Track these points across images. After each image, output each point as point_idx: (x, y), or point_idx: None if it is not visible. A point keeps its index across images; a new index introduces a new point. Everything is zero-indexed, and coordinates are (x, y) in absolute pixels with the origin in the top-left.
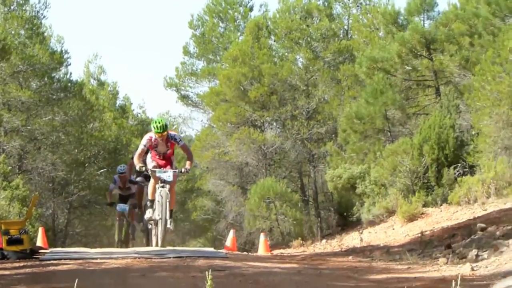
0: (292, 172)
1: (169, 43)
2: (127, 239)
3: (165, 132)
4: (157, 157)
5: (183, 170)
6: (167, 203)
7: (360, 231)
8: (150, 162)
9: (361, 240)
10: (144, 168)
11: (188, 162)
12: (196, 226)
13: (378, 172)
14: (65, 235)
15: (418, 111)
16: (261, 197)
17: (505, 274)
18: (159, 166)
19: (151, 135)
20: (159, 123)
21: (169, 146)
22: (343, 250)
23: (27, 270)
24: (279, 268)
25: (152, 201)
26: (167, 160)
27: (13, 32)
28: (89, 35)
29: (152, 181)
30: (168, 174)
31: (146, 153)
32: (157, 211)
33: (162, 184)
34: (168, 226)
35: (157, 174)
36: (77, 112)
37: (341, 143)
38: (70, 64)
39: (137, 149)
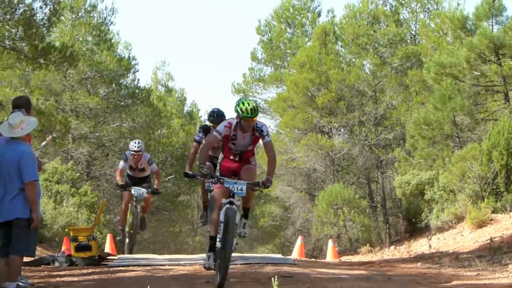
0: (360, 178)
1: (237, 49)
2: (135, 232)
3: (255, 118)
4: (231, 156)
5: (264, 182)
6: (234, 231)
7: (429, 238)
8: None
9: (430, 246)
10: (205, 171)
11: (269, 169)
12: (264, 232)
13: (446, 178)
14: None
15: (487, 116)
16: (329, 203)
17: None
18: (229, 171)
19: (232, 121)
20: (248, 104)
21: (252, 140)
22: (411, 256)
23: (95, 276)
24: (347, 274)
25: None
26: (242, 162)
27: (80, 39)
28: (156, 41)
29: (216, 191)
30: (239, 187)
31: (214, 148)
32: (220, 237)
33: (229, 200)
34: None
35: (226, 185)
36: (144, 119)
37: (409, 149)
38: (138, 71)
39: (200, 132)
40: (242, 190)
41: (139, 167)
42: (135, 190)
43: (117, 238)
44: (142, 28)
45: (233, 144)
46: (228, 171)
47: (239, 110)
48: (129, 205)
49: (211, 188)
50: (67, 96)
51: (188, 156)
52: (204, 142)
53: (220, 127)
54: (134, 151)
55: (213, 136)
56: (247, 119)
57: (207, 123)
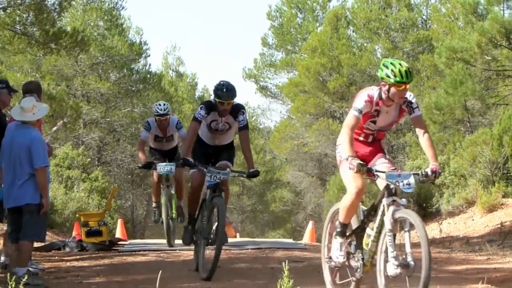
0: None
1: (248, 34)
2: (170, 227)
3: (408, 86)
4: (361, 137)
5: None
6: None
7: (440, 222)
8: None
9: (441, 231)
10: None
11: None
12: (275, 217)
13: (457, 163)
14: (144, 227)
15: (498, 101)
16: (340, 188)
17: None
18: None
19: (371, 92)
20: (401, 66)
21: (397, 114)
22: None
23: (106, 261)
24: None
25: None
26: (376, 147)
27: (92, 24)
28: (167, 26)
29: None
30: (406, 181)
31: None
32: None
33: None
34: None
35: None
36: None
37: None
38: (149, 56)
39: (202, 109)
40: (409, 184)
41: (167, 135)
42: (161, 167)
43: (152, 219)
44: (154, 13)
45: (373, 122)
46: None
47: (389, 73)
48: (161, 187)
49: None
50: (78, 81)
51: (187, 141)
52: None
53: (359, 102)
54: (160, 114)
55: (355, 117)
56: (400, 86)
57: (212, 99)
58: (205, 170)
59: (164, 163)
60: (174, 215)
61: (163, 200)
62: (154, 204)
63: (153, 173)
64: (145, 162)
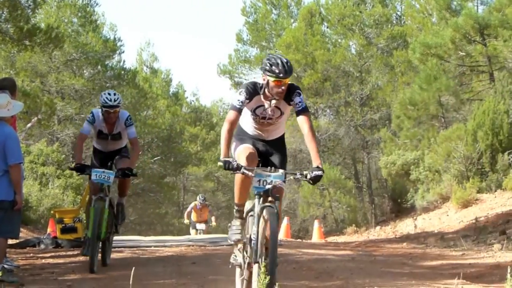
0: (346, 159)
1: (223, 30)
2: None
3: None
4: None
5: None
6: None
7: (414, 218)
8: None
9: (415, 226)
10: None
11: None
12: None
13: (432, 158)
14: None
15: (472, 97)
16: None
17: None
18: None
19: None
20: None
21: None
22: (397, 236)
23: (81, 258)
24: (333, 255)
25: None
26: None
27: (66, 20)
28: (141, 22)
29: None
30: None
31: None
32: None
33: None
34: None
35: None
36: (130, 100)
37: (395, 129)
38: (123, 52)
39: (243, 93)
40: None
41: (113, 132)
42: (96, 174)
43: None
44: (128, 9)
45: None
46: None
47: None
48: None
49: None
50: (52, 77)
51: (223, 136)
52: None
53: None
54: (109, 106)
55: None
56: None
57: (259, 79)
58: (250, 173)
59: (101, 169)
60: (102, 234)
61: (92, 213)
62: (89, 233)
63: (89, 181)
64: (79, 164)
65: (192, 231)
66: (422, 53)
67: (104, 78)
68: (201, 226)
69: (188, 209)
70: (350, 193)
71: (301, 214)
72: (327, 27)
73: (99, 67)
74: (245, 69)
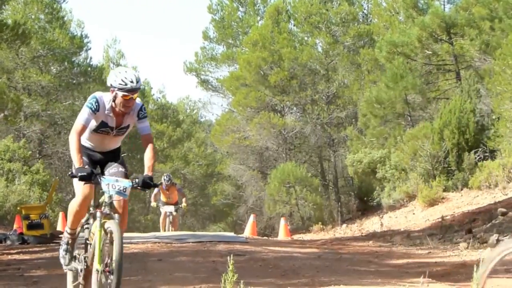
0: (312, 157)
1: (189, 28)
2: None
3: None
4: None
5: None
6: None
7: (381, 216)
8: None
9: (382, 224)
10: None
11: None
12: (216, 211)
13: (398, 156)
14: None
15: (439, 95)
16: (281, 181)
17: None
18: None
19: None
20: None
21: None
22: (363, 234)
23: (47, 254)
24: (299, 252)
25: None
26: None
27: (33, 17)
28: (108, 19)
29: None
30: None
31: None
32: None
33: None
34: None
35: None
36: None
37: (361, 127)
38: (90, 49)
39: None
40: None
41: (122, 126)
42: (109, 183)
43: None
44: (94, 5)
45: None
46: None
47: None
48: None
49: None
50: (19, 74)
51: None
52: None
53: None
54: (129, 89)
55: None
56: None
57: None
58: None
59: (113, 177)
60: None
61: (99, 236)
62: (66, 236)
63: (84, 187)
64: (84, 169)
65: (162, 210)
66: (388, 51)
67: (70, 75)
68: (169, 208)
69: (155, 191)
70: (316, 191)
71: (267, 212)
72: (294, 25)
73: (65, 63)
74: (211, 67)
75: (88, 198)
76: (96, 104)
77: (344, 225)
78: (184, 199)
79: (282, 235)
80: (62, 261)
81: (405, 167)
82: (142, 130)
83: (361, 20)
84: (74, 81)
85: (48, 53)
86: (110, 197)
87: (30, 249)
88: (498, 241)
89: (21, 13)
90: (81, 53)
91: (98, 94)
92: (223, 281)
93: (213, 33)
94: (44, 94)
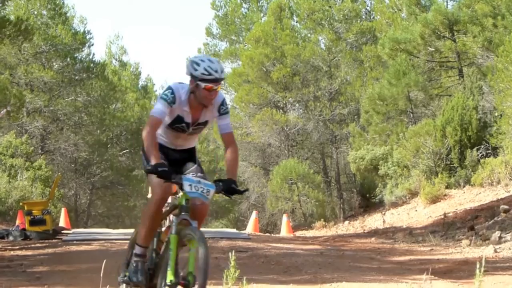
0: (314, 153)
1: (192, 24)
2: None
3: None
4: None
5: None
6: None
7: (383, 213)
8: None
9: (384, 221)
10: None
11: None
12: (218, 207)
13: (400, 153)
14: (88, 216)
15: (441, 92)
16: (284, 178)
17: None
18: None
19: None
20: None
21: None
22: (365, 231)
23: (50, 250)
24: (301, 249)
25: None
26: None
27: (35, 13)
28: (111, 15)
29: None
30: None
31: None
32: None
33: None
34: None
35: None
36: (99, 93)
37: (363, 124)
38: (92, 45)
39: None
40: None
41: (200, 121)
42: (192, 183)
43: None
44: (97, 2)
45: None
46: None
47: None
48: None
49: None
50: (21, 69)
51: None
52: None
53: None
54: (213, 79)
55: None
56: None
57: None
58: None
59: (196, 178)
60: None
61: (174, 243)
62: (138, 251)
63: (153, 187)
64: (160, 162)
65: None
66: (391, 48)
67: (73, 71)
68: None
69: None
70: (318, 188)
71: (269, 208)
72: (297, 22)
73: (68, 59)
74: None
75: (165, 199)
76: (172, 95)
77: (346, 222)
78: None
79: (284, 231)
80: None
81: (408, 164)
82: (223, 128)
83: (364, 17)
84: (77, 77)
85: (51, 49)
86: (188, 200)
87: (33, 245)
88: (500, 238)
89: (24, 9)
90: (83, 49)
91: (173, 84)
92: (225, 277)
93: (216, 29)
94: (47, 90)
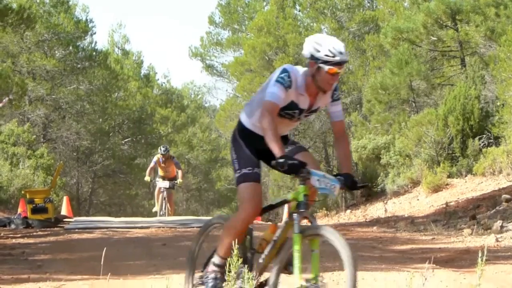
0: (316, 143)
1: (195, 13)
2: None
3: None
4: None
5: None
6: None
7: (385, 202)
8: None
9: (386, 210)
10: None
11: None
12: (220, 196)
13: (402, 142)
14: (90, 204)
15: (443, 81)
16: None
17: None
18: None
19: None
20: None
21: None
22: (367, 220)
23: (52, 238)
24: None
25: None
26: None
27: (38, 1)
28: (113, 3)
29: None
30: None
31: None
32: None
33: None
34: None
35: None
36: (101, 81)
37: (366, 113)
38: (95, 33)
39: None
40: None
41: (313, 108)
42: (319, 179)
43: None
44: None
45: None
46: None
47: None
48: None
49: None
50: (24, 58)
51: None
52: None
53: None
54: (338, 62)
55: None
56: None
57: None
58: None
59: (320, 172)
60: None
61: (297, 241)
62: (213, 269)
63: (244, 202)
64: (287, 155)
65: (157, 184)
66: (393, 37)
67: (75, 59)
68: (164, 184)
69: (151, 164)
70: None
71: (271, 197)
72: (299, 11)
73: (70, 48)
74: (216, 52)
75: (255, 218)
76: (289, 79)
77: (348, 211)
78: (180, 172)
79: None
80: None
81: (410, 153)
82: (336, 115)
83: (366, 6)
84: (79, 66)
85: (53, 38)
86: (307, 196)
87: (35, 233)
88: (502, 227)
89: None
90: (86, 37)
91: (288, 66)
92: (227, 265)
93: (219, 18)
94: (49, 79)
